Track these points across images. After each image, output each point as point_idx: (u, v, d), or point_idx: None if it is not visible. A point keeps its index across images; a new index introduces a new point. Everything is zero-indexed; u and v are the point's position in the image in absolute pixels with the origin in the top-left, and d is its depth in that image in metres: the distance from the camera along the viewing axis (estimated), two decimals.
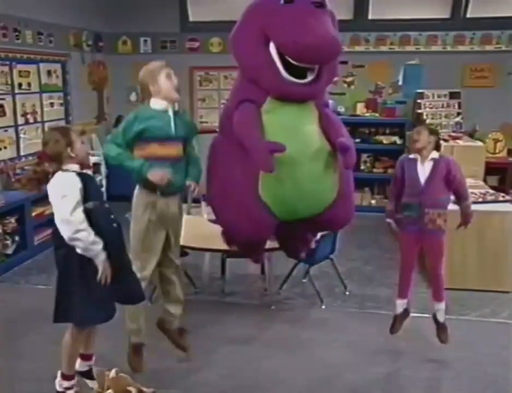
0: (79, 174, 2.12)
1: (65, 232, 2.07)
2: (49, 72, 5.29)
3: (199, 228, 3.45)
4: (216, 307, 3.45)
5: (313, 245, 3.12)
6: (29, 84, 4.97)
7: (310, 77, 2.49)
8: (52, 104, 5.37)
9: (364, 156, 6.09)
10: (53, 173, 2.10)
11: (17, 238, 4.36)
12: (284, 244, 3.01)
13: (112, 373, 2.51)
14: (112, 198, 5.89)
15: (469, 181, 4.34)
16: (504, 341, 3.15)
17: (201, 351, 2.98)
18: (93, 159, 5.55)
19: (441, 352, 2.99)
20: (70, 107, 5.66)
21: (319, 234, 3.38)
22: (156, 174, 2.52)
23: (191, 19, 6.32)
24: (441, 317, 2.98)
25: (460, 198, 2.94)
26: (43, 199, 4.44)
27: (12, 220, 4.30)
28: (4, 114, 4.64)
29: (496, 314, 3.52)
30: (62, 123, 5.55)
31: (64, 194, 2.06)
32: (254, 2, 2.62)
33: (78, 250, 2.10)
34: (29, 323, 3.27)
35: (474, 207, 3.74)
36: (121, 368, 2.61)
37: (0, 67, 4.57)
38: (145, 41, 6.45)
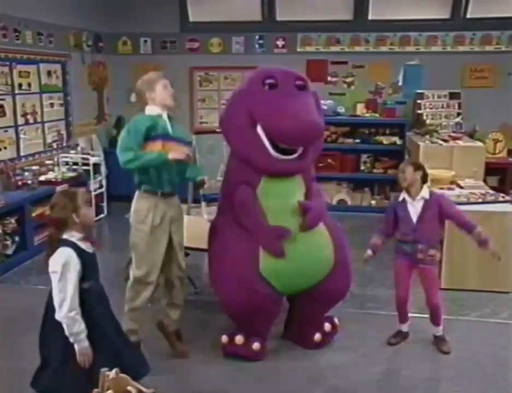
0: (80, 252, 2.07)
1: (57, 312, 2.04)
2: (49, 73, 5.28)
3: (199, 228, 3.44)
4: (216, 307, 3.42)
5: (326, 327, 3.02)
6: (29, 85, 4.96)
7: (297, 154, 2.69)
8: (52, 104, 5.36)
9: (364, 157, 6.08)
10: (57, 240, 2.07)
11: (17, 238, 4.35)
12: (294, 333, 3.06)
13: (112, 373, 2.43)
14: (112, 198, 5.93)
15: (468, 182, 4.41)
16: (504, 342, 3.15)
17: (201, 351, 2.98)
18: (93, 159, 5.58)
19: (441, 353, 2.99)
20: (70, 108, 5.66)
21: None
22: (176, 153, 2.60)
23: (191, 19, 6.31)
24: (438, 333, 3.05)
25: (469, 229, 2.87)
26: (43, 200, 4.52)
27: (12, 220, 4.29)
28: (4, 114, 4.63)
29: (496, 314, 3.52)
30: (62, 123, 5.58)
31: (63, 278, 2.02)
32: (241, 87, 2.85)
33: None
34: (29, 324, 3.16)
35: (474, 207, 3.82)
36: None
37: (0, 68, 4.57)
38: (145, 41, 6.45)
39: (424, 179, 2.93)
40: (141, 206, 2.68)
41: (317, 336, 2.98)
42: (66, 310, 2.02)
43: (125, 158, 2.56)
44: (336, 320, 3.08)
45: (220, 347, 2.92)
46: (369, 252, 3.06)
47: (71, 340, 2.05)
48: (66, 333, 2.04)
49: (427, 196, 2.90)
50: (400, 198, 2.96)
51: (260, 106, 2.64)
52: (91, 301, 2.10)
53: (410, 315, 3.20)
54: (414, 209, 2.89)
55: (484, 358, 2.95)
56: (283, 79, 2.69)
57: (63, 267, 2.00)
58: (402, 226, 2.95)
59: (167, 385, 2.68)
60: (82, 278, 2.08)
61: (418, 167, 2.92)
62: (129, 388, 2.46)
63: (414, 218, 2.89)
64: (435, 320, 3.03)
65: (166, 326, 2.94)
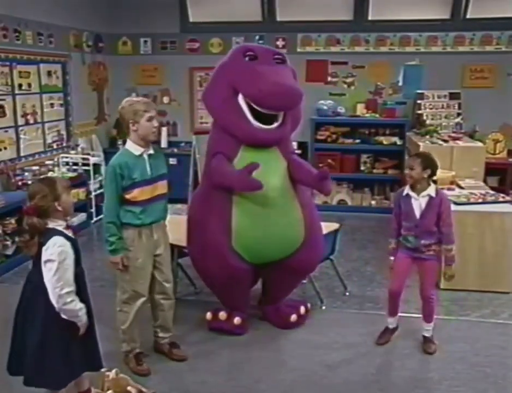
0: (69, 239, 2.09)
1: (56, 303, 2.06)
2: (49, 73, 5.29)
3: None
4: (216, 307, 3.43)
5: (302, 310, 3.27)
6: (29, 85, 4.97)
7: (276, 124, 2.83)
8: (52, 105, 5.37)
9: (364, 157, 6.07)
10: (42, 229, 2.05)
11: (16, 239, 4.31)
12: (271, 313, 3.28)
13: (112, 374, 2.51)
14: None
15: (469, 182, 4.41)
16: (504, 342, 3.14)
17: (201, 351, 2.98)
18: (93, 160, 5.58)
19: (441, 353, 2.99)
20: (70, 108, 5.67)
21: None
22: (112, 264, 2.63)
23: (191, 20, 6.31)
24: (427, 334, 3.04)
25: (446, 242, 2.86)
26: None
27: (12, 220, 4.29)
28: (4, 114, 4.63)
29: (496, 314, 3.52)
30: (62, 124, 5.57)
31: (62, 266, 2.03)
32: (222, 62, 2.97)
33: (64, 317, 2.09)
34: None
35: (474, 207, 3.84)
36: (121, 369, 2.61)
37: (0, 68, 4.57)
38: (145, 41, 6.45)
39: (432, 175, 2.88)
40: (125, 235, 2.63)
41: (294, 317, 3.21)
42: (68, 297, 2.04)
43: (107, 219, 2.60)
44: (309, 305, 3.36)
45: (205, 323, 3.16)
46: (392, 258, 3.04)
47: (75, 320, 2.09)
48: (69, 317, 2.07)
49: (433, 194, 2.86)
50: (405, 193, 2.93)
51: (241, 76, 2.79)
52: (80, 284, 2.14)
53: (410, 315, 3.20)
54: (418, 204, 2.86)
55: (485, 359, 2.94)
56: (263, 53, 2.89)
57: (60, 256, 2.01)
58: (405, 220, 2.93)
59: (166, 386, 2.68)
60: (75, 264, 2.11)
61: (427, 165, 2.85)
62: (129, 388, 2.48)
63: (417, 214, 2.86)
64: (426, 314, 2.99)
65: (157, 343, 2.94)
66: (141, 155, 2.63)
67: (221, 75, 2.91)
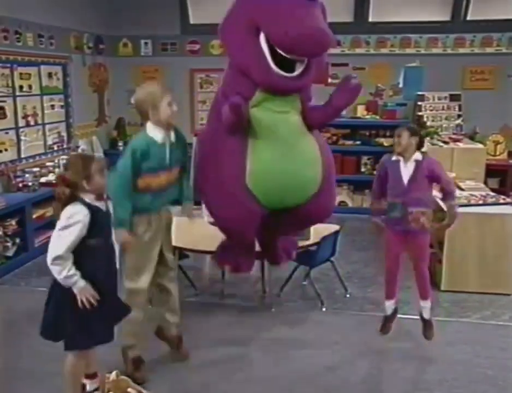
0: (90, 207, 2.12)
1: (48, 256, 2.11)
2: (50, 75, 5.29)
3: (200, 230, 3.43)
4: (216, 309, 3.44)
5: (293, 256, 3.17)
6: (30, 87, 4.97)
7: (298, 71, 2.50)
8: (52, 106, 5.36)
9: (364, 159, 6.08)
10: (69, 198, 2.11)
11: (17, 240, 4.35)
12: (267, 249, 3.06)
13: (113, 376, 2.51)
14: None
15: (469, 183, 4.40)
16: (505, 344, 3.14)
17: (201, 353, 2.98)
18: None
19: (442, 355, 2.99)
20: (71, 110, 5.66)
21: (318, 238, 3.40)
22: (123, 242, 2.54)
23: (191, 21, 6.30)
24: (426, 315, 3.01)
25: (447, 196, 2.93)
26: (44, 201, 4.52)
27: (13, 222, 4.29)
28: (5, 116, 4.63)
29: (497, 316, 3.51)
30: (63, 125, 5.58)
31: (66, 228, 2.08)
32: None
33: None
34: (29, 326, 3.18)
35: (475, 209, 3.84)
36: (122, 371, 2.61)
37: (1, 70, 4.57)
38: (146, 43, 6.46)
39: (419, 145, 2.91)
40: (135, 221, 2.60)
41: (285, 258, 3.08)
42: (56, 256, 2.06)
43: (116, 186, 2.51)
44: (296, 239, 3.25)
45: (216, 254, 3.04)
46: (376, 219, 3.04)
47: (65, 284, 2.10)
48: (57, 277, 2.09)
49: (419, 158, 2.87)
50: (393, 158, 2.93)
51: (265, 13, 2.42)
52: (97, 258, 2.13)
53: (410, 316, 3.19)
54: (406, 170, 2.86)
55: (485, 361, 2.94)
56: None
57: (68, 219, 2.05)
58: (392, 187, 2.91)
59: (166, 387, 2.68)
60: (90, 234, 2.11)
61: (414, 132, 2.90)
62: (129, 390, 2.48)
63: (405, 180, 2.85)
64: (423, 291, 2.97)
65: (165, 329, 2.91)
66: (163, 143, 2.58)
67: (242, 7, 2.53)
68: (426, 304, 3.00)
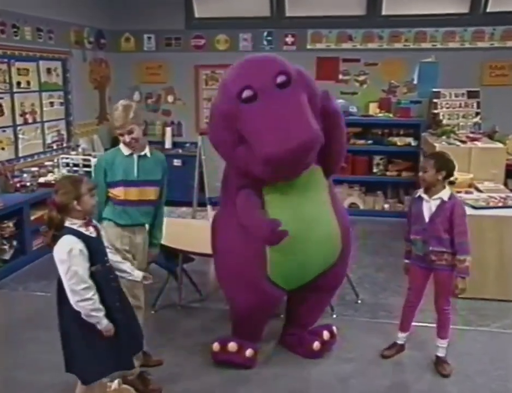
0: (81, 237, 2.14)
1: (71, 299, 2.12)
2: (49, 70, 5.25)
3: (205, 233, 3.33)
4: (222, 315, 3.35)
5: (325, 336, 2.98)
6: (28, 83, 4.93)
7: None
8: (52, 103, 5.32)
9: (377, 159, 6.00)
10: (60, 223, 2.14)
11: (15, 243, 4.28)
12: (292, 339, 3.02)
13: (115, 384, 2.50)
14: None
15: (488, 185, 4.35)
16: None
17: (206, 358, 2.92)
18: (94, 161, 5.42)
19: (460, 365, 2.87)
20: (71, 107, 5.63)
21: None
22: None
23: (196, 15, 6.28)
24: (441, 353, 2.89)
25: (460, 251, 2.68)
26: (43, 202, 4.39)
27: (10, 224, 4.22)
28: (2, 113, 4.57)
29: None
30: (62, 123, 5.54)
31: (72, 265, 2.10)
32: (218, 104, 2.57)
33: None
34: (27, 331, 3.25)
35: (493, 212, 3.74)
36: (123, 380, 2.58)
37: None
38: (149, 38, 6.43)
39: (447, 178, 2.76)
40: (110, 234, 2.57)
41: (316, 344, 2.93)
42: (86, 293, 2.08)
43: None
44: (335, 329, 3.04)
45: (211, 354, 2.90)
46: (406, 261, 2.98)
47: (92, 321, 2.12)
48: (84, 316, 2.11)
49: (445, 197, 2.74)
50: (417, 195, 2.86)
51: (242, 128, 2.43)
52: (99, 284, 2.17)
53: (426, 324, 3.08)
54: (428, 207, 2.77)
55: (506, 372, 2.82)
56: (261, 84, 2.39)
57: (69, 254, 2.09)
58: (414, 223, 2.85)
59: None
60: (91, 262, 2.17)
61: (441, 166, 2.73)
62: None
63: (427, 217, 2.77)
64: (439, 329, 2.87)
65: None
66: (130, 154, 2.64)
67: (221, 125, 2.54)
68: (443, 344, 2.88)
